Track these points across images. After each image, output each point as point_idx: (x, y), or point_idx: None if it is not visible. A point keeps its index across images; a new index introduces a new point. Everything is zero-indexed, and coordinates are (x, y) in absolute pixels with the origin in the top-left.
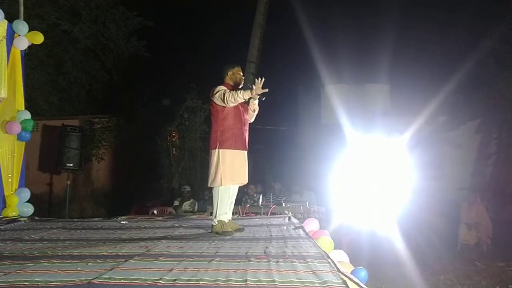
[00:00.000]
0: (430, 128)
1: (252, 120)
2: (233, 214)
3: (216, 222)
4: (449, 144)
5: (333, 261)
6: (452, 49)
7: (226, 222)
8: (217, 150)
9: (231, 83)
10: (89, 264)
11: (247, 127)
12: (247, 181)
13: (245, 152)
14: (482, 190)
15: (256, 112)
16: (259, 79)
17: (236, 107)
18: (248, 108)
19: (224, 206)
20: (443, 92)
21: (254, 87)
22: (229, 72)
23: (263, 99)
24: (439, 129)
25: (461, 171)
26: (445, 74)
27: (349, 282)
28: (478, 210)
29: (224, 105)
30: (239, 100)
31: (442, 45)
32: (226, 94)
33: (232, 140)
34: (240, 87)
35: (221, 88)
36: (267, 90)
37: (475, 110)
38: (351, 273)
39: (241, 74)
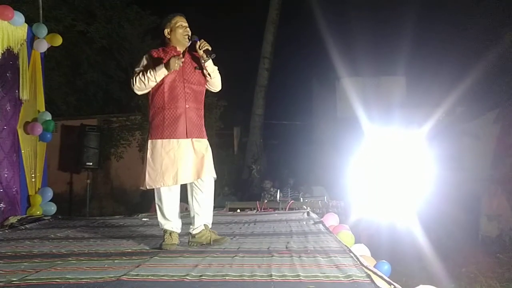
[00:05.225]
0: (448, 119)
1: (217, 89)
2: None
3: (210, 225)
4: (468, 135)
5: (355, 255)
6: (470, 38)
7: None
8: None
9: (175, 44)
10: (116, 261)
11: (191, 105)
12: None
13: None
14: (503, 181)
15: (217, 77)
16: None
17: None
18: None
19: None
20: (460, 82)
21: (198, 41)
22: (166, 30)
23: (212, 56)
24: (457, 120)
25: (481, 162)
26: (462, 64)
27: (373, 276)
28: (499, 202)
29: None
30: (150, 80)
31: (459, 35)
32: (134, 80)
33: None
34: (189, 44)
35: (137, 68)
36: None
37: (494, 100)
38: (374, 267)
39: (185, 25)
